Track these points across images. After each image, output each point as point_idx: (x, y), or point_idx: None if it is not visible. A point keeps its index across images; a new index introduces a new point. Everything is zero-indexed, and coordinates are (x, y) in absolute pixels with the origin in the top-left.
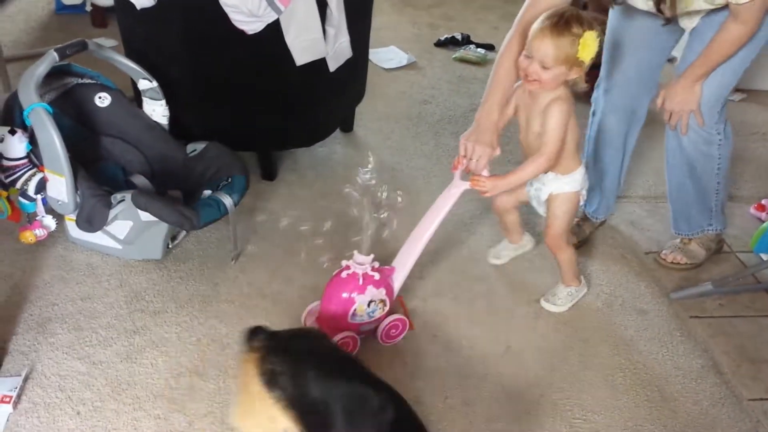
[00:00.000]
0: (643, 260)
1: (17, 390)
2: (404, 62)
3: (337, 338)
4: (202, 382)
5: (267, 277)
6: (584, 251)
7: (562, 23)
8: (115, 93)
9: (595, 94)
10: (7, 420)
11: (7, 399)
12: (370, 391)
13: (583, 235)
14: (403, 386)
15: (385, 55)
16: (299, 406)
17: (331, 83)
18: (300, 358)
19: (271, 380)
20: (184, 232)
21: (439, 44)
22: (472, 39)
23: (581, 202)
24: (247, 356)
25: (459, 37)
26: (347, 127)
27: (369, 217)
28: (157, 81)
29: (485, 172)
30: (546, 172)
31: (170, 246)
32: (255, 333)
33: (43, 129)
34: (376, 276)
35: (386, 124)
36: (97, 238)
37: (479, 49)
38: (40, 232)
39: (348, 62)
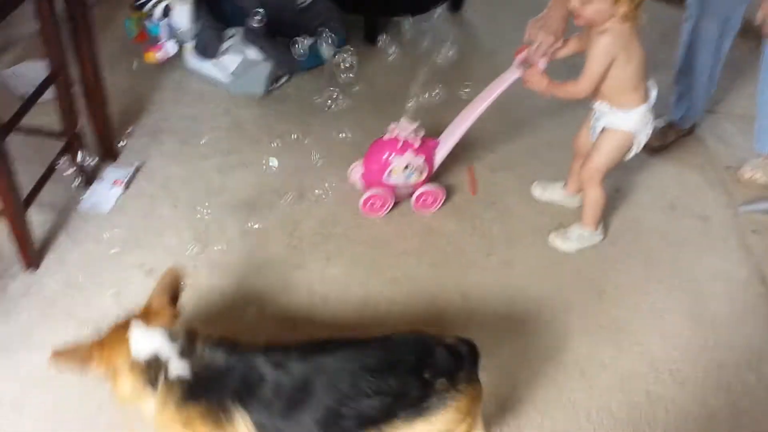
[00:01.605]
0: (721, 174)
1: (128, 177)
2: None
3: (368, 193)
4: (280, 201)
5: (353, 126)
6: (662, 155)
7: None
8: None
9: None
10: (117, 200)
11: (120, 182)
12: None
13: (666, 141)
14: (456, 240)
15: None
16: None
17: None
18: None
19: None
20: (285, 77)
21: None
22: None
23: (633, 149)
24: None
25: None
26: (456, 6)
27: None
28: None
29: (543, 62)
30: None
31: (272, 87)
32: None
33: None
34: (416, 143)
35: (499, 9)
36: (209, 69)
37: None
38: (162, 54)
39: None
